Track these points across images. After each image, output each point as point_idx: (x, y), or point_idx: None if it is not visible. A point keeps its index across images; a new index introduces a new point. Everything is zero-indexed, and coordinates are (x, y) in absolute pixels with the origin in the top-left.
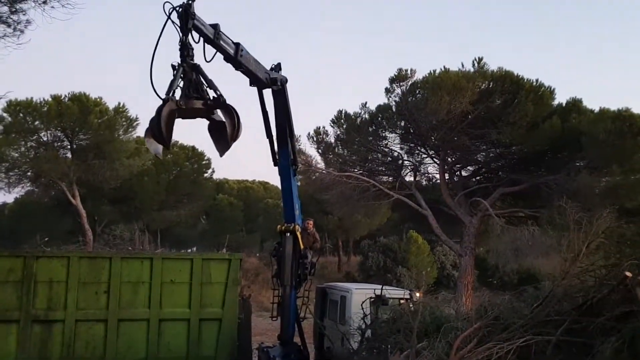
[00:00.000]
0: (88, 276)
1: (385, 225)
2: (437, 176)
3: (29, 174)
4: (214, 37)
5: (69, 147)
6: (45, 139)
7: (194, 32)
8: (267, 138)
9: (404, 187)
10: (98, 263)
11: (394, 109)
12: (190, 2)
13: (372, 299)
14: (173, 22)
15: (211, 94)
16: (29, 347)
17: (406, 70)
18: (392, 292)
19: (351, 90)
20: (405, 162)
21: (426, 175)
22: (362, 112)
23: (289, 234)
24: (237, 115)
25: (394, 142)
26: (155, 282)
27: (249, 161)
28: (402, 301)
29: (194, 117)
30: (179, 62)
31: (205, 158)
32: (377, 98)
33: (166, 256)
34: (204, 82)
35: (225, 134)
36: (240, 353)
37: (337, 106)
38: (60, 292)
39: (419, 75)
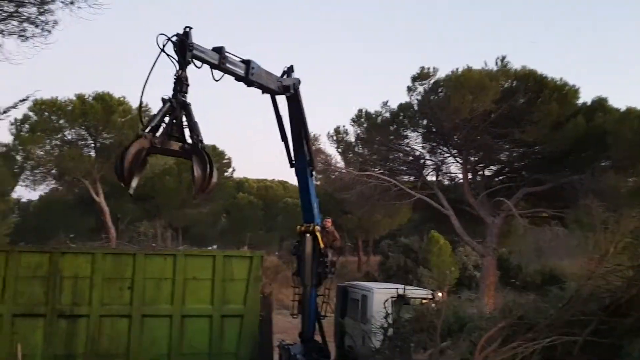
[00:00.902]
0: (112, 272)
1: (406, 225)
2: (460, 176)
3: (53, 171)
4: (219, 62)
5: (92, 145)
6: (69, 137)
7: (195, 61)
8: (282, 141)
9: (426, 186)
10: (122, 259)
11: (415, 108)
12: (187, 30)
13: (394, 299)
14: (168, 55)
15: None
16: (55, 341)
17: (428, 69)
18: (414, 292)
19: (372, 89)
20: (427, 161)
21: (448, 174)
22: (383, 111)
23: (308, 235)
24: (212, 166)
25: (415, 141)
26: (178, 278)
27: (269, 160)
28: (424, 301)
29: (167, 155)
30: (169, 97)
31: (226, 157)
32: (398, 97)
33: (189, 253)
34: (189, 123)
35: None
36: (262, 350)
37: (357, 105)
38: (85, 287)
39: (441, 74)
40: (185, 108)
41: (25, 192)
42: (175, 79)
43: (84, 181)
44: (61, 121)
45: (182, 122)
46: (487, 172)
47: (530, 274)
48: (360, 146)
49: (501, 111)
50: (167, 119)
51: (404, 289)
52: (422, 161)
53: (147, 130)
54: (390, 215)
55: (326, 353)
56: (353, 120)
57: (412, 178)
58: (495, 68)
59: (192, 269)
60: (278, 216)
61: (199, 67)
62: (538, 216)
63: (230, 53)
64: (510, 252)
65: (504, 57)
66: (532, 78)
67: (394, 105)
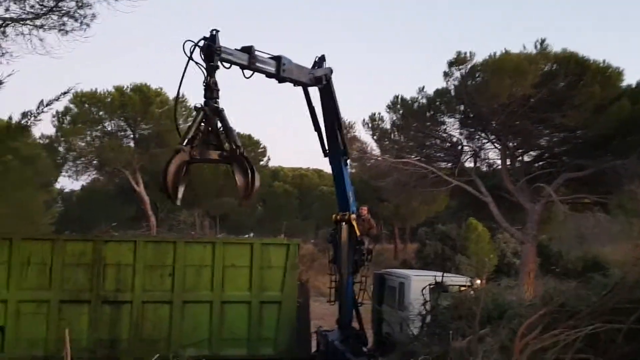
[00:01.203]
0: (154, 260)
1: (444, 212)
2: (498, 162)
3: (94, 162)
4: (248, 63)
5: (131, 136)
6: (109, 128)
7: (224, 63)
8: (315, 131)
9: (464, 173)
10: (163, 247)
11: (452, 93)
12: (213, 33)
13: (432, 286)
14: (196, 62)
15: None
16: (100, 327)
17: (465, 53)
18: (452, 279)
19: (408, 75)
20: (465, 147)
21: (486, 161)
22: (420, 97)
23: (344, 223)
24: (253, 171)
25: (452, 127)
26: (217, 265)
27: (304, 149)
28: (462, 288)
29: (207, 163)
30: (202, 105)
31: (261, 146)
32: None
33: (227, 241)
34: (224, 129)
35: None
36: (300, 336)
37: (393, 91)
38: (128, 274)
39: (478, 58)
40: (219, 114)
41: (68, 183)
42: (204, 86)
43: (124, 171)
44: (101, 113)
45: (217, 129)
46: (526, 158)
47: (571, 261)
48: (396, 133)
49: (541, 95)
50: (202, 127)
51: (442, 276)
52: (459, 147)
53: (184, 143)
54: (427, 203)
55: (364, 340)
56: (389, 107)
57: (449, 165)
58: (534, 51)
59: (231, 257)
60: (313, 204)
61: (227, 68)
62: (579, 202)
63: (259, 51)
64: (550, 238)
65: (543, 40)
66: (573, 61)
67: (430, 91)
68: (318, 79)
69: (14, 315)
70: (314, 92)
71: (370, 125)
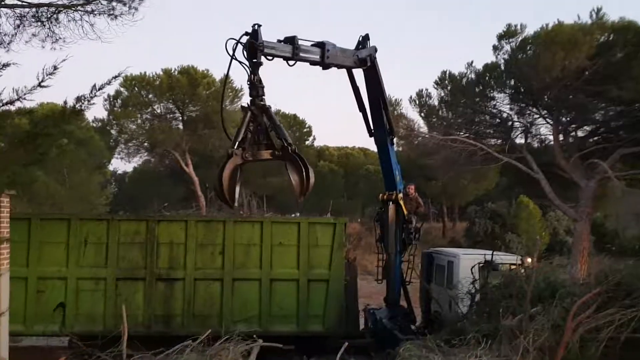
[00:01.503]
0: (204, 238)
1: (493, 190)
2: (550, 137)
3: (145, 144)
4: (292, 54)
5: (180, 118)
6: (158, 111)
7: (267, 57)
8: (360, 112)
9: (514, 150)
10: (213, 226)
11: (502, 68)
12: (255, 28)
13: (482, 265)
14: (240, 61)
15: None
16: (154, 303)
17: (516, 26)
18: (502, 258)
19: (456, 50)
20: (516, 123)
21: (538, 136)
22: (468, 72)
23: (391, 203)
24: (307, 167)
25: (502, 102)
26: (266, 244)
27: (349, 128)
28: (512, 267)
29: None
30: (248, 104)
31: (306, 126)
32: (484, 57)
33: (275, 220)
34: (273, 127)
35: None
36: (348, 313)
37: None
38: (180, 253)
39: (529, 31)
40: (266, 112)
41: (120, 165)
42: (249, 84)
43: (174, 153)
44: (150, 96)
45: (266, 127)
46: (580, 133)
47: (627, 239)
48: (444, 110)
49: (596, 67)
50: (251, 127)
51: (492, 254)
52: (509, 123)
53: (235, 146)
54: (476, 181)
55: (412, 318)
56: (436, 83)
57: (499, 141)
58: (589, 21)
59: (279, 235)
60: (359, 183)
61: (270, 60)
62: (637, 178)
63: (302, 40)
64: (605, 216)
65: (599, 9)
66: (632, 30)
67: (479, 65)
68: (362, 60)
69: (73, 292)
70: (358, 72)
71: (417, 102)
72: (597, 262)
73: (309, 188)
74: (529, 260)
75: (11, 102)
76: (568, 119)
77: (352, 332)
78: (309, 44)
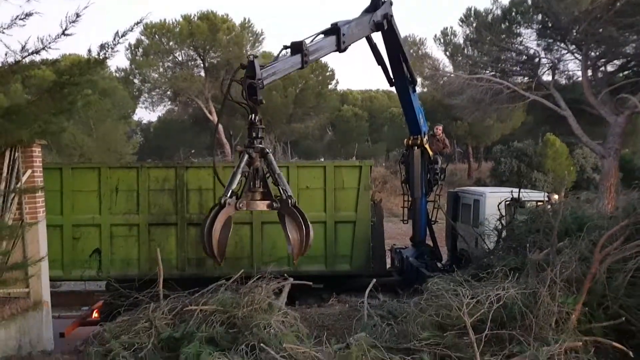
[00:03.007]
0: None
1: (520, 129)
2: (579, 73)
3: (168, 93)
4: (302, 64)
5: (201, 65)
6: (180, 58)
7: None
8: (379, 65)
9: (541, 87)
10: None
11: (529, 2)
12: (251, 60)
13: (508, 202)
14: (238, 102)
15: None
16: (187, 247)
17: None
18: (529, 195)
19: None
20: (543, 60)
21: (566, 73)
22: (494, 8)
23: (416, 148)
24: (307, 223)
25: (529, 38)
26: (292, 188)
27: (372, 71)
28: (539, 204)
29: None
30: (245, 147)
31: (329, 69)
32: None
33: (301, 164)
34: (271, 174)
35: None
36: (375, 253)
37: (465, 3)
38: (209, 198)
39: None
40: (265, 157)
41: (145, 114)
42: (248, 126)
43: (197, 101)
44: (171, 43)
45: (264, 174)
46: (609, 68)
47: None
48: (469, 48)
49: None
50: (247, 172)
51: (519, 192)
52: (536, 60)
53: (228, 195)
54: (503, 120)
55: (438, 256)
56: (461, 20)
57: (526, 79)
58: None
59: (305, 179)
60: (384, 127)
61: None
62: None
63: (311, 36)
64: (634, 152)
65: None
66: None
67: (505, 1)
68: (379, 24)
69: (107, 238)
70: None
71: (442, 40)
72: (624, 197)
73: (308, 247)
74: (556, 197)
75: (37, 52)
76: (597, 53)
77: (379, 271)
78: (320, 38)
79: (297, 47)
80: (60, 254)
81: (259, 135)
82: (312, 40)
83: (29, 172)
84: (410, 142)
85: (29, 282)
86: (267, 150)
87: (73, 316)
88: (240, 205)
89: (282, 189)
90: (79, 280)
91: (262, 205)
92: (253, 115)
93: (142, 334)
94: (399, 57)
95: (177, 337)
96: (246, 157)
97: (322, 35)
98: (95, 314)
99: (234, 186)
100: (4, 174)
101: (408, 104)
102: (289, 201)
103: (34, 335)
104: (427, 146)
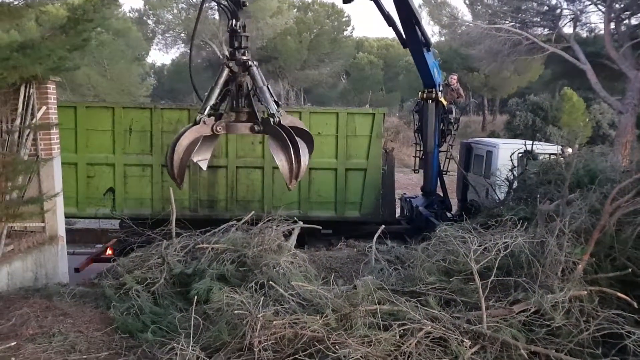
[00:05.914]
0: None
1: (537, 82)
2: (601, 26)
3: (182, 35)
4: None
5: (215, 7)
6: (194, 0)
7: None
8: (390, 26)
9: (561, 39)
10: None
11: None
12: None
13: (521, 154)
14: (219, 3)
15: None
16: (199, 188)
17: None
18: (542, 147)
19: None
20: (564, 11)
21: (587, 25)
22: None
23: (430, 101)
24: (295, 144)
25: None
26: None
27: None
28: (552, 156)
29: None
30: (226, 58)
31: (345, 15)
32: None
33: (313, 110)
34: (256, 91)
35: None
36: (384, 200)
37: None
38: (222, 141)
39: None
40: (249, 70)
41: (158, 57)
42: (229, 31)
43: (211, 44)
44: None
45: (249, 90)
46: (633, 21)
47: None
48: None
49: None
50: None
51: (532, 144)
52: (558, 11)
53: (205, 112)
54: (520, 72)
55: (448, 206)
56: None
57: (546, 30)
58: None
59: (317, 125)
60: (399, 76)
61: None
62: None
63: None
64: None
65: None
66: None
67: None
68: None
69: (121, 178)
70: None
71: None
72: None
73: (300, 173)
74: (569, 150)
75: None
76: (622, 5)
77: (388, 219)
78: None
79: None
80: (74, 191)
81: (242, 45)
82: None
83: (43, 108)
84: (424, 95)
85: (45, 217)
86: (251, 62)
87: (87, 253)
88: (219, 128)
89: (266, 106)
90: (93, 217)
91: (243, 129)
92: (234, 20)
93: (154, 270)
94: (411, 20)
95: (189, 274)
96: (226, 71)
97: None
98: (109, 251)
99: (212, 102)
100: (19, 110)
101: (422, 64)
102: (271, 120)
103: (49, 268)
104: (441, 99)
